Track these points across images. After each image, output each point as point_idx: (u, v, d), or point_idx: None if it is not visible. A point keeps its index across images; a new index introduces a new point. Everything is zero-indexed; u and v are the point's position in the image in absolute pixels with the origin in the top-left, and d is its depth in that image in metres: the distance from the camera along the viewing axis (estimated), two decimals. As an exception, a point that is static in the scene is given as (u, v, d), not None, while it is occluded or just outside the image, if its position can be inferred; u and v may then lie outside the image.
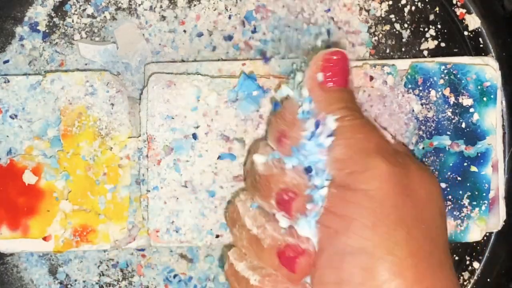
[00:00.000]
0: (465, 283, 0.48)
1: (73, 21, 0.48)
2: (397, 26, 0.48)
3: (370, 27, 0.48)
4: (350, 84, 0.36)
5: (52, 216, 0.43)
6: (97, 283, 0.48)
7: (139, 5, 0.48)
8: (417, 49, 0.48)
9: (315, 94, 0.35)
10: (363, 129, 0.35)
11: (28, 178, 0.43)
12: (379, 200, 0.32)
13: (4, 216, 0.43)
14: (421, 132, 0.42)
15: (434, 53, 0.48)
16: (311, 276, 0.34)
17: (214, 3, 0.48)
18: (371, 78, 0.42)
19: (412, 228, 0.33)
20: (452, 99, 0.42)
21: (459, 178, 0.42)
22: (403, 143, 0.42)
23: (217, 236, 0.43)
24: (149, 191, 0.42)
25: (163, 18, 0.48)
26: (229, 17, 0.48)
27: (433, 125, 0.42)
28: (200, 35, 0.48)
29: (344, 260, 0.32)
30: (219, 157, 0.42)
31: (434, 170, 0.42)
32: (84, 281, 0.48)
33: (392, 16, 0.48)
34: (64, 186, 0.43)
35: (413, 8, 0.48)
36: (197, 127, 0.43)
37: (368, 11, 0.48)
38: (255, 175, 0.37)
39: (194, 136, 0.42)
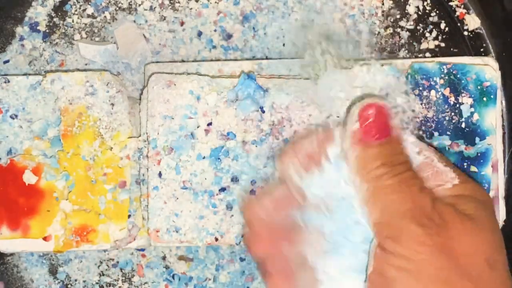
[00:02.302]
0: (465, 283, 0.48)
1: (73, 21, 0.48)
2: (397, 26, 0.48)
3: (370, 27, 0.48)
4: (393, 132, 0.35)
5: (52, 216, 0.43)
6: (97, 283, 0.48)
7: (139, 5, 0.48)
8: (417, 49, 0.48)
9: (354, 152, 0.35)
10: (398, 188, 0.34)
11: (28, 178, 0.43)
12: (418, 264, 0.32)
13: (4, 216, 0.43)
14: (421, 132, 0.42)
15: (434, 53, 0.48)
16: None
17: (214, 3, 0.48)
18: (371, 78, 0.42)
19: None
20: (452, 99, 0.42)
21: (459, 178, 0.42)
22: (455, 165, 0.38)
23: (216, 240, 0.43)
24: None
25: (163, 18, 0.48)
26: (229, 17, 0.48)
27: (433, 125, 0.42)
28: (200, 35, 0.48)
29: None
30: (219, 158, 0.42)
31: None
32: (84, 281, 0.48)
33: (392, 16, 0.48)
34: (64, 186, 0.43)
35: (413, 8, 0.48)
36: (197, 127, 0.43)
37: (369, 11, 0.48)
38: None
39: (194, 136, 0.43)
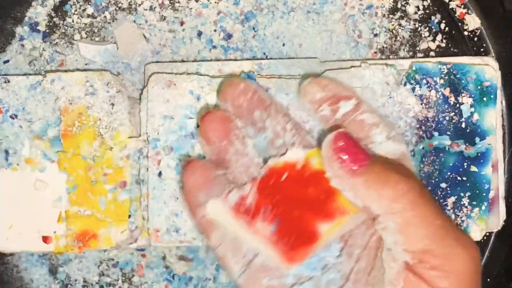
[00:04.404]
0: (465, 283, 0.48)
1: (73, 21, 0.48)
2: (398, 26, 0.48)
3: (370, 27, 0.48)
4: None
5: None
6: (97, 283, 0.48)
7: (139, 5, 0.48)
8: (417, 49, 0.48)
9: (343, 182, 0.33)
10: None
11: None
12: None
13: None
14: (421, 132, 0.42)
15: (434, 53, 0.48)
16: None
17: (214, 3, 0.48)
18: (371, 78, 0.42)
19: None
20: (452, 99, 0.42)
21: (459, 178, 0.42)
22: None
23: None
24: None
25: (163, 18, 0.48)
26: (229, 17, 0.48)
27: (433, 125, 0.42)
28: (200, 35, 0.48)
29: None
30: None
31: (434, 170, 0.42)
32: (84, 281, 0.48)
33: (392, 16, 0.48)
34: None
35: (413, 8, 0.48)
36: (197, 127, 0.43)
37: (369, 11, 0.48)
38: None
39: (194, 136, 0.43)
